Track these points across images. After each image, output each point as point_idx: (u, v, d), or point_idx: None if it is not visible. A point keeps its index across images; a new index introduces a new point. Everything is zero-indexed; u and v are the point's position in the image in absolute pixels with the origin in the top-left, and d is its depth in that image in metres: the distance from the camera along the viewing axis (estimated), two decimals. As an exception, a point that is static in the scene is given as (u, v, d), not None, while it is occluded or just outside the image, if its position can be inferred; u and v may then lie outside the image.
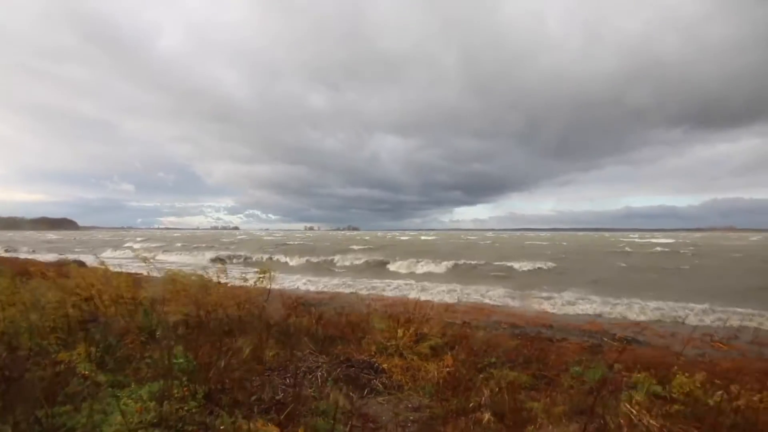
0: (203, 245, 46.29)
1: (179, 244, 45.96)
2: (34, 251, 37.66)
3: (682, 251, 36.71)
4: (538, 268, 22.84)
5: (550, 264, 24.23)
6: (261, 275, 5.38)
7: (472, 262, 25.39)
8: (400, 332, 4.72)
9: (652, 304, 11.65)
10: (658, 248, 40.11)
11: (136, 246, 44.48)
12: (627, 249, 40.15)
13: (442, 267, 23.19)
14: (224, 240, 64.84)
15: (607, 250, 40.11)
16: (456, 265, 23.92)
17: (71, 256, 26.15)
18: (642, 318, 10.22)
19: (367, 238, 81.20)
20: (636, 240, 68.21)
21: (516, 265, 23.43)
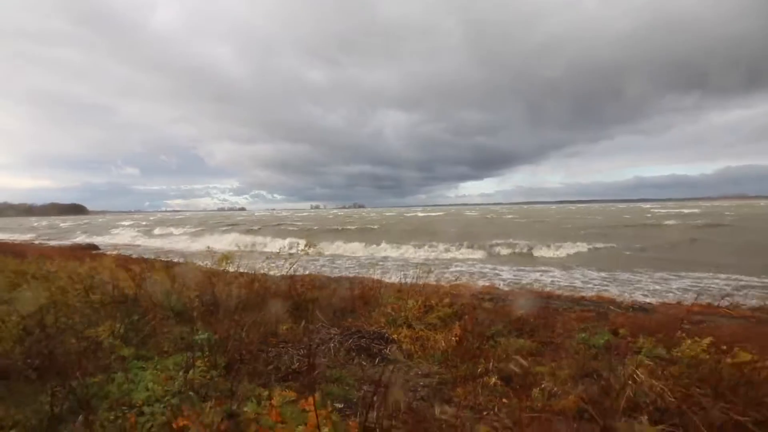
0: (189, 231, 43.21)
1: (158, 231, 44.01)
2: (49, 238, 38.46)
3: (722, 223, 33.67)
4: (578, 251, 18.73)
5: (592, 245, 20.19)
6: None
7: (494, 244, 21.81)
8: (410, 303, 4.85)
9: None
10: (699, 220, 36.28)
11: (122, 232, 44.39)
12: (670, 222, 36.36)
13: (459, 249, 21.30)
14: (220, 221, 61.53)
15: (645, 222, 36.81)
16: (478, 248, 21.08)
17: (79, 240, 26.67)
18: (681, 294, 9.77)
19: (374, 215, 78.19)
20: (660, 210, 62.58)
21: (549, 252, 19.20)
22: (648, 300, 9.05)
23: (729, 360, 2.59)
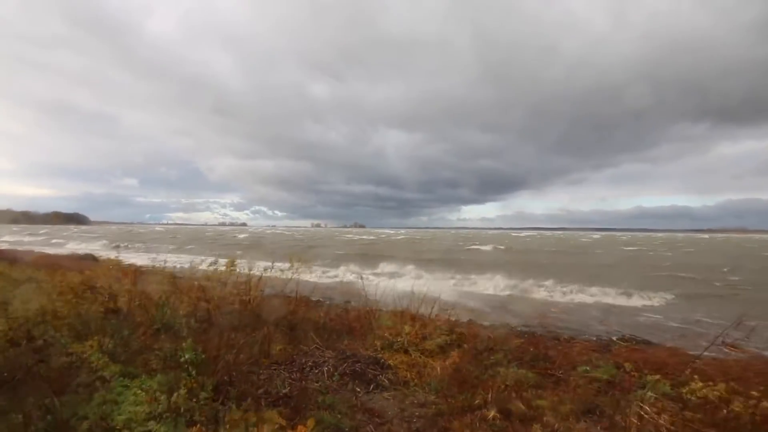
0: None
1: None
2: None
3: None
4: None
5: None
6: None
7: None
8: (406, 328, 4.73)
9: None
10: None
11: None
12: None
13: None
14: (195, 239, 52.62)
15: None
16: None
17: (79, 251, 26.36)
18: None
19: (372, 238, 72.22)
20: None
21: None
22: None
23: (736, 403, 2.46)
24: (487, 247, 42.62)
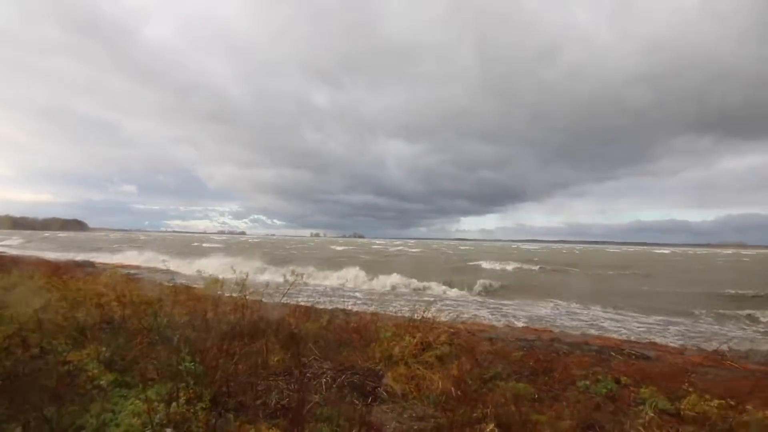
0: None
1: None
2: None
3: None
4: None
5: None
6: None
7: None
8: (406, 339, 4.71)
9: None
10: None
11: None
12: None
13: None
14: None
15: None
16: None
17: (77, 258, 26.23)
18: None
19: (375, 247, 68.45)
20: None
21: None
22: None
23: (730, 417, 2.46)
24: (508, 266, 31.44)
